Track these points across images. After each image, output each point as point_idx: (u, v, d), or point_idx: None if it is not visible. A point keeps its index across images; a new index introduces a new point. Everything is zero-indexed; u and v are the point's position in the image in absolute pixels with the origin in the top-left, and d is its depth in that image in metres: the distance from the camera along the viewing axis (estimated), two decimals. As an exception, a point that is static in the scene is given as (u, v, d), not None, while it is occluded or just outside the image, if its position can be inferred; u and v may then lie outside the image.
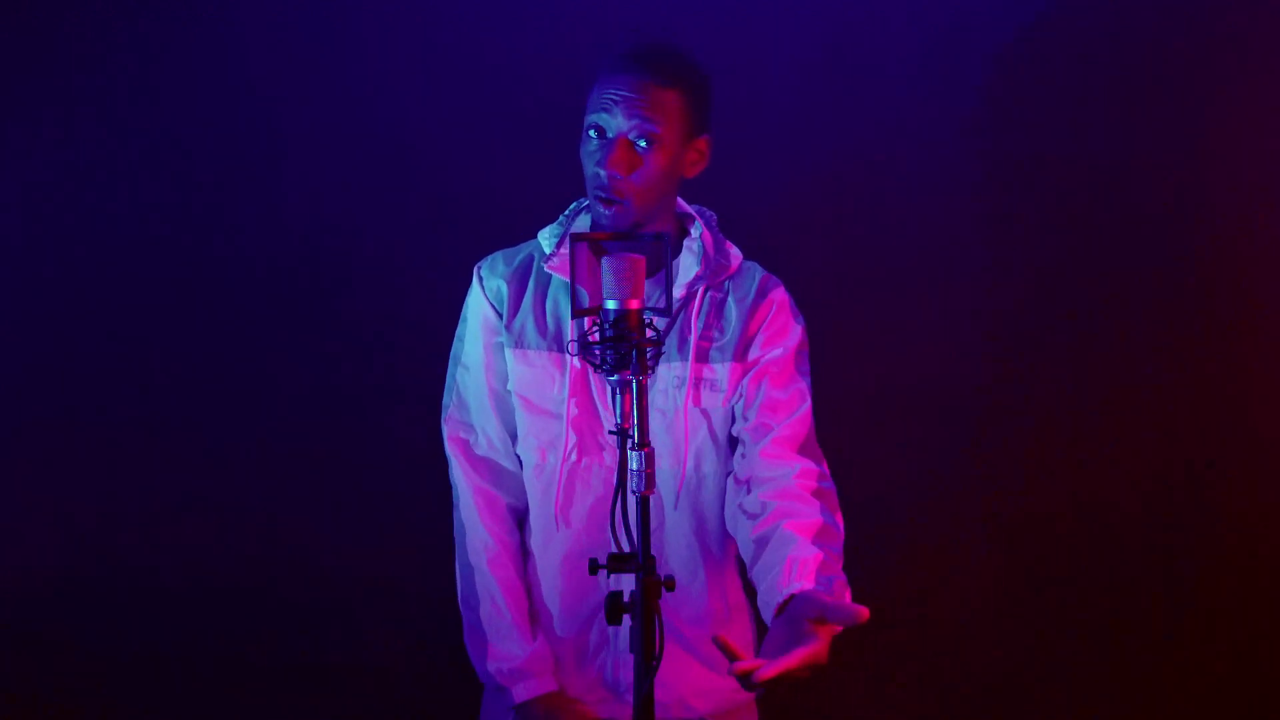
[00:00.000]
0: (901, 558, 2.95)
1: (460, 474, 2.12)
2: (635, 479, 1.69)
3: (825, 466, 2.05)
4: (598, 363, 1.72)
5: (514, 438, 2.12)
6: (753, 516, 1.97)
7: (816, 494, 1.98)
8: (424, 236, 2.87)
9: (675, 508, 2.08)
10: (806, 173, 2.90)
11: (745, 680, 1.68)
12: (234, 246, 2.88)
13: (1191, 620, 2.98)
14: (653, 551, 1.91)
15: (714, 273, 2.09)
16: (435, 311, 2.86)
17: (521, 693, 2.05)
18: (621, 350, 1.70)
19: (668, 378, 2.04)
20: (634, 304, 1.72)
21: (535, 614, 2.10)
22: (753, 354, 2.09)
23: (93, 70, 2.83)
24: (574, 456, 2.05)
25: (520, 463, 2.12)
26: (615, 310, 1.71)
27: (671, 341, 2.05)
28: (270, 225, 2.88)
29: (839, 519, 1.98)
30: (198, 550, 2.86)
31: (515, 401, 2.09)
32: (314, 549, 2.88)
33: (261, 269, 2.88)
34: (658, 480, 2.00)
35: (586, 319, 1.91)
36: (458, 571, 2.13)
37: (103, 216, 2.85)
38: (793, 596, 1.78)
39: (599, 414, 2.06)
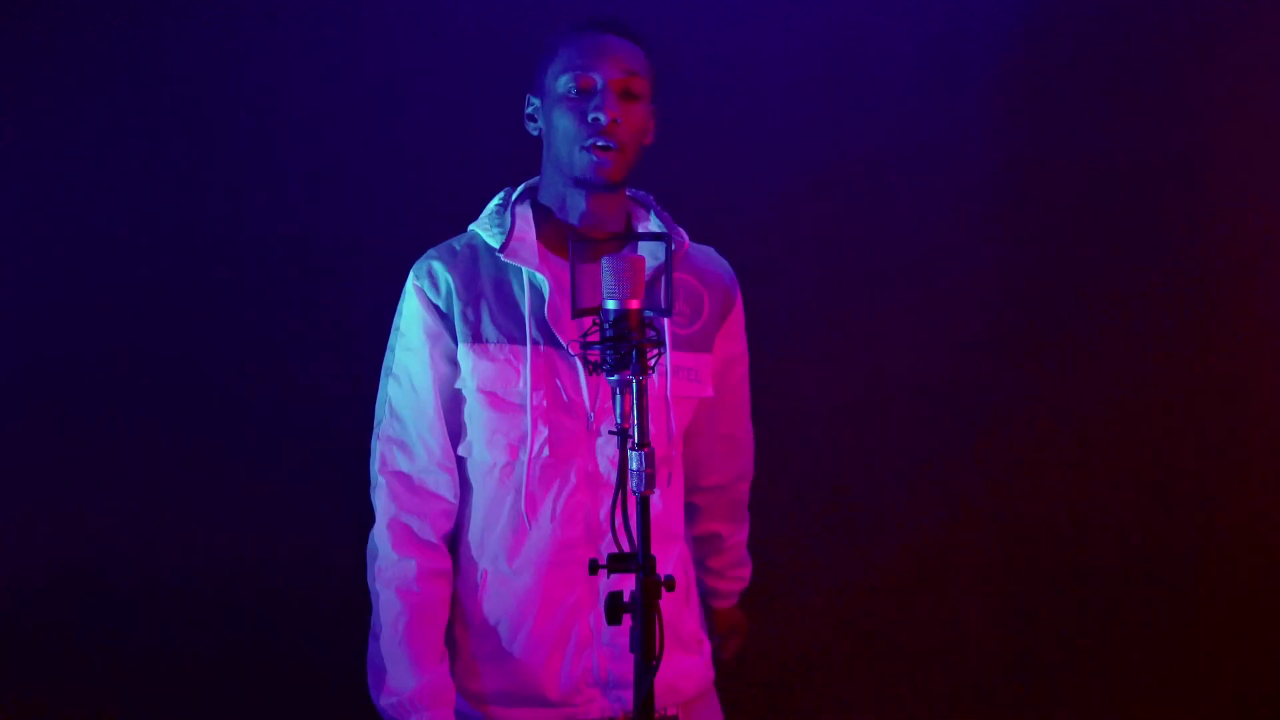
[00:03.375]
0: (901, 557, 2.95)
1: (382, 497, 2.04)
2: (635, 479, 1.69)
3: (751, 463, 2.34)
4: (598, 362, 1.72)
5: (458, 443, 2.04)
6: (710, 493, 2.30)
7: (743, 503, 2.35)
8: (427, 236, 2.87)
9: (669, 485, 2.09)
10: (806, 172, 2.90)
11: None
12: (235, 246, 2.87)
13: (1191, 620, 2.98)
14: (655, 538, 1.97)
15: (673, 252, 2.08)
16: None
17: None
18: (622, 350, 1.70)
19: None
20: (634, 304, 1.71)
21: (441, 643, 2.01)
22: (719, 351, 2.14)
23: (91, 70, 2.83)
24: (545, 451, 1.99)
25: (457, 475, 2.04)
26: (615, 310, 1.71)
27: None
28: (271, 225, 2.87)
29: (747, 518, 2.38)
30: (198, 550, 2.86)
31: (478, 400, 2.00)
32: (315, 549, 2.88)
33: (263, 269, 2.88)
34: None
35: (583, 319, 1.90)
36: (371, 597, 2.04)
37: (102, 217, 2.85)
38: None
39: (564, 403, 2.00)
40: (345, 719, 2.91)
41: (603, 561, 1.71)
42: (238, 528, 2.86)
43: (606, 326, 1.71)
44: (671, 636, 2.05)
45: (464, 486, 2.06)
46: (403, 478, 2.04)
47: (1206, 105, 2.92)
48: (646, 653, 1.68)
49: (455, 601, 2.06)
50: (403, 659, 1.97)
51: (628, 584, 1.69)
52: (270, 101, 2.86)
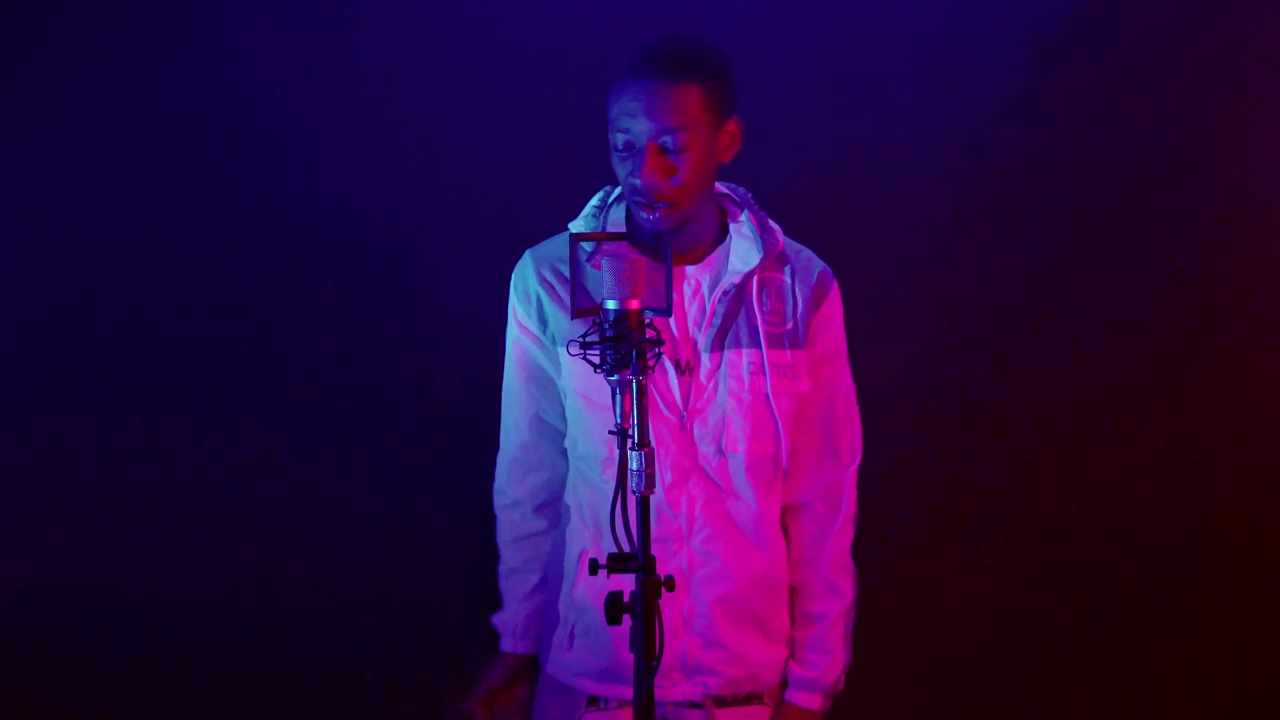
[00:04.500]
0: (901, 557, 2.95)
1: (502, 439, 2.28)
2: (635, 479, 1.69)
3: (854, 500, 2.24)
4: (598, 363, 1.72)
5: (551, 424, 2.19)
6: (802, 568, 2.20)
7: (850, 558, 2.24)
8: (427, 237, 2.87)
9: (776, 482, 2.12)
10: (805, 171, 2.90)
11: None
12: (236, 246, 2.87)
13: (1191, 619, 2.98)
14: (749, 535, 2.08)
15: (766, 254, 2.10)
16: (437, 312, 2.88)
17: (502, 645, 2.26)
18: (622, 350, 1.70)
19: (741, 364, 2.06)
20: (634, 304, 1.72)
21: (530, 584, 2.24)
22: (814, 345, 2.15)
23: (92, 68, 2.83)
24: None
25: (553, 453, 2.20)
26: (615, 310, 1.71)
27: (742, 329, 2.07)
28: (273, 225, 2.87)
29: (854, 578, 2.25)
30: (197, 551, 2.85)
31: (576, 400, 2.09)
32: (315, 550, 2.88)
33: (263, 269, 2.88)
34: (741, 464, 2.07)
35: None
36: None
37: (103, 216, 2.84)
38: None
39: (656, 402, 2.05)
40: (346, 719, 2.92)
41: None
42: (238, 529, 2.86)
43: (606, 326, 1.72)
44: (760, 629, 2.13)
45: (573, 477, 2.17)
46: (502, 453, 2.28)
47: (1209, 105, 2.91)
48: (646, 653, 1.68)
49: (562, 577, 2.19)
50: (501, 593, 2.27)
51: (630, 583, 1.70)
52: (272, 100, 2.86)
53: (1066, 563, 2.97)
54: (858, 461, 2.24)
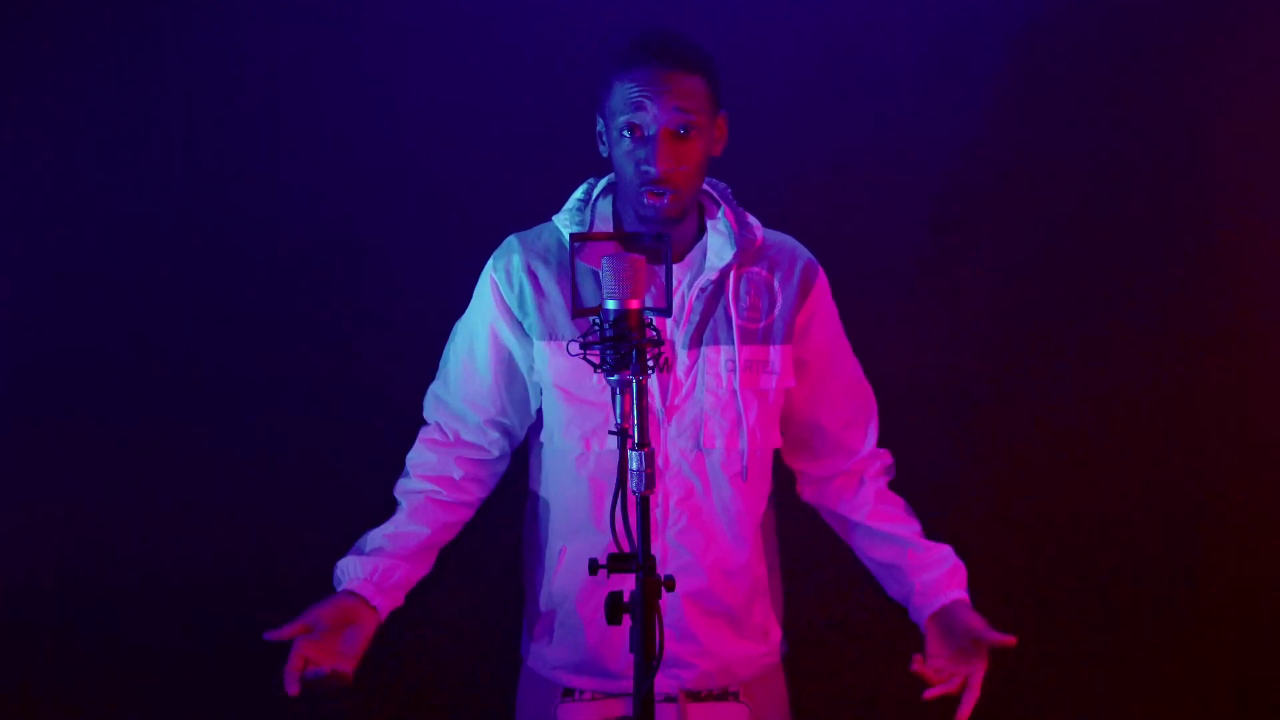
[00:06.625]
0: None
1: (422, 433, 2.23)
2: (635, 479, 1.69)
3: (887, 454, 2.28)
4: (598, 363, 1.72)
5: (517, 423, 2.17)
6: (868, 532, 2.24)
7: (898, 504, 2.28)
8: (426, 236, 2.87)
9: (745, 479, 2.11)
10: (806, 171, 2.90)
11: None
12: (234, 246, 2.87)
13: (1192, 620, 2.98)
14: (723, 530, 2.10)
15: (742, 250, 2.11)
16: (438, 310, 2.88)
17: (351, 585, 2.15)
18: (622, 350, 1.70)
19: (719, 361, 2.07)
20: (634, 304, 1.72)
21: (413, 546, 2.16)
22: (809, 345, 2.16)
23: (91, 68, 2.83)
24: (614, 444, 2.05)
25: (504, 438, 2.17)
26: (615, 310, 1.71)
27: (719, 325, 2.08)
28: (271, 225, 2.87)
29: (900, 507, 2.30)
30: (197, 550, 2.86)
31: (555, 394, 2.09)
32: (314, 548, 2.87)
33: (262, 269, 2.88)
34: (718, 460, 2.09)
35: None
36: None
37: (102, 216, 2.85)
38: (953, 602, 2.19)
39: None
40: (345, 718, 2.91)
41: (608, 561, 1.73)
42: (238, 529, 2.86)
43: (606, 326, 1.72)
44: (733, 623, 2.14)
45: (548, 470, 2.15)
46: (440, 429, 2.20)
47: (1209, 105, 2.92)
48: (646, 653, 1.68)
49: (538, 570, 2.18)
50: (367, 540, 2.18)
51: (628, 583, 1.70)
52: (273, 100, 2.86)
53: (1066, 562, 2.97)
54: (874, 426, 2.27)
